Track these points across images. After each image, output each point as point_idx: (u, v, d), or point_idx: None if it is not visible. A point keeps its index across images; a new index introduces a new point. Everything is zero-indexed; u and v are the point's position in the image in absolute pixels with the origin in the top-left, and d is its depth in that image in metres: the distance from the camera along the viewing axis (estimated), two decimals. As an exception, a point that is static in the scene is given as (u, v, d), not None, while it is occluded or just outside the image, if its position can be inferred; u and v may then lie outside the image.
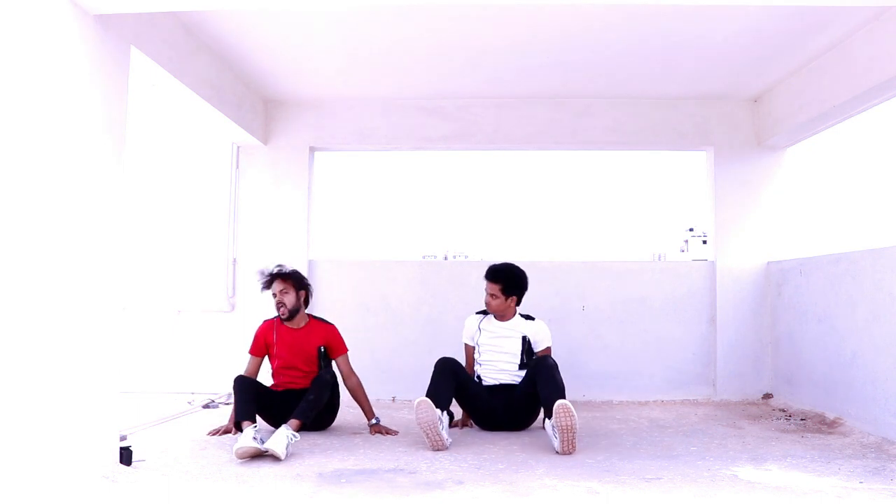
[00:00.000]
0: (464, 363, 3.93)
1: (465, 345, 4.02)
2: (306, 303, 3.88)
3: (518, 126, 5.16)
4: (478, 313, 4.02)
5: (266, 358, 3.87)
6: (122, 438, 3.07)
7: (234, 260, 5.15)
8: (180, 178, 5.44)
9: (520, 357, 3.83)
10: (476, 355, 3.93)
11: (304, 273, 5.05)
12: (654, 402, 4.88)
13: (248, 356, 3.86)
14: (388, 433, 3.69)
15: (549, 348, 3.91)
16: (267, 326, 3.87)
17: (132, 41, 3.12)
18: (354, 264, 5.32)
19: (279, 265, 3.86)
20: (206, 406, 4.55)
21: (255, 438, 3.14)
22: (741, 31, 3.85)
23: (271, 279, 3.78)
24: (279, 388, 3.79)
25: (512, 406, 3.74)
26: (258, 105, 5.03)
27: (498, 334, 3.89)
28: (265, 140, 5.16)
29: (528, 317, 3.96)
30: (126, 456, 2.92)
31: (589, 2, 3.36)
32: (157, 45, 3.40)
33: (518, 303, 3.92)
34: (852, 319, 3.81)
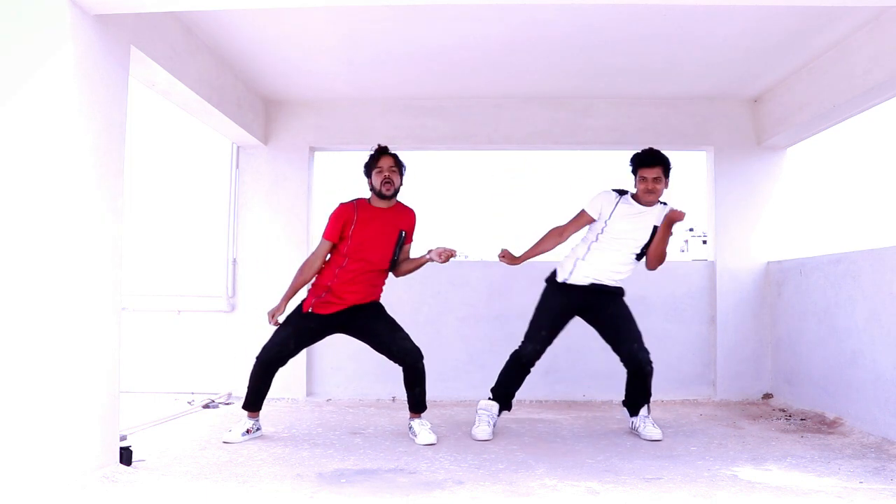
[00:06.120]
0: (555, 237, 3.74)
1: (582, 212, 3.70)
2: None
3: (518, 126, 5.16)
4: (615, 191, 3.71)
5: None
6: (122, 438, 3.07)
7: (234, 260, 5.15)
8: (180, 179, 5.44)
9: (644, 245, 3.65)
10: (597, 231, 3.66)
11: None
12: (654, 402, 4.85)
13: (322, 241, 3.59)
14: (446, 253, 3.56)
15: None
16: (346, 207, 3.59)
17: (132, 41, 3.12)
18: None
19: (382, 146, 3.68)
20: (207, 406, 4.55)
21: (247, 433, 3.54)
22: (741, 31, 3.85)
23: (380, 152, 3.59)
24: (328, 304, 3.54)
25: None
26: (258, 105, 5.03)
27: (636, 222, 3.62)
28: (265, 140, 5.16)
29: (662, 202, 3.68)
30: (126, 456, 2.92)
31: (589, 2, 3.36)
32: (157, 45, 3.40)
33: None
34: (852, 319, 3.81)
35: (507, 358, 3.78)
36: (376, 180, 3.57)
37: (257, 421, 3.63)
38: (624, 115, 5.12)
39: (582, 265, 3.68)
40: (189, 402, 4.63)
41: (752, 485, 2.69)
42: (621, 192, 3.73)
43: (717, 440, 3.56)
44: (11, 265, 2.39)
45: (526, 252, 3.78)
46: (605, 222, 3.67)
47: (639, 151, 3.69)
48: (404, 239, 3.66)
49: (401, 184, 3.63)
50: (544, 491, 2.62)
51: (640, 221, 3.65)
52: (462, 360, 4.99)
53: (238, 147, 5.16)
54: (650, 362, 3.67)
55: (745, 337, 4.97)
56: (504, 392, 3.75)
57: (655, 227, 3.65)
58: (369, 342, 3.66)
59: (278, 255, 5.06)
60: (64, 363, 2.58)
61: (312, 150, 5.25)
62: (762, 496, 2.54)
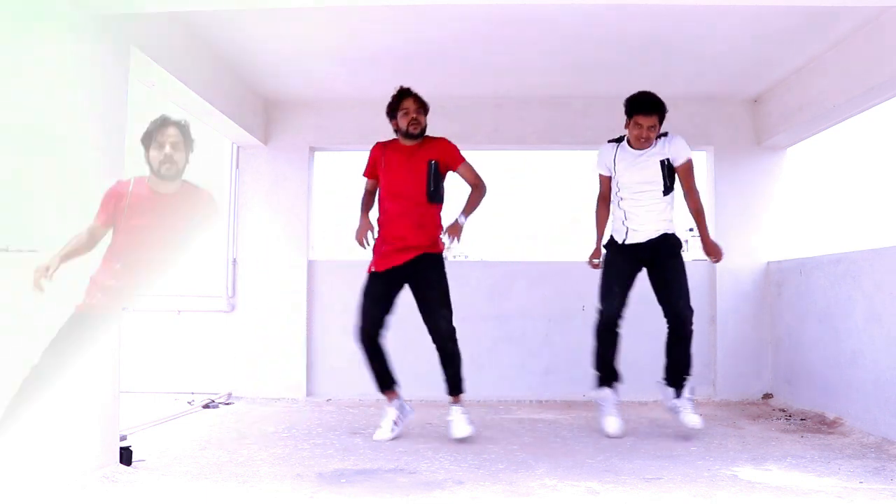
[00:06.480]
0: (603, 204, 3.83)
1: (601, 176, 3.78)
2: None
3: (518, 126, 5.15)
4: (611, 141, 3.74)
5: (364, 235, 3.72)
6: (122, 438, 3.07)
7: (234, 260, 5.15)
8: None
9: (663, 182, 3.61)
10: (615, 190, 3.69)
11: (304, 273, 5.06)
12: (654, 402, 4.86)
13: (364, 180, 3.85)
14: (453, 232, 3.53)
15: (689, 160, 3.67)
16: (378, 147, 3.80)
17: (132, 41, 3.12)
18: (354, 264, 5.28)
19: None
20: (207, 406, 4.55)
21: (394, 425, 3.54)
22: (741, 31, 3.85)
23: (402, 95, 3.66)
24: (385, 257, 3.60)
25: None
26: (258, 105, 5.03)
27: (640, 166, 3.61)
28: (265, 140, 5.15)
29: (661, 134, 3.63)
30: (126, 456, 2.92)
31: (589, 1, 3.36)
32: (157, 45, 3.40)
33: None
34: (852, 319, 3.81)
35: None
36: (402, 122, 3.65)
37: (400, 403, 3.65)
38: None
39: (629, 224, 3.68)
40: (189, 402, 4.63)
41: (752, 485, 2.69)
42: (618, 140, 3.72)
43: (717, 440, 3.56)
44: (12, 265, 2.38)
45: (596, 238, 3.86)
46: (614, 177, 3.68)
47: (636, 95, 3.56)
48: (437, 167, 3.65)
49: (426, 123, 3.68)
50: (544, 491, 2.62)
51: (644, 164, 3.62)
52: (462, 360, 4.98)
53: (238, 147, 5.16)
54: (692, 322, 3.65)
55: (745, 337, 4.96)
56: (605, 368, 3.71)
57: (661, 162, 3.61)
58: (419, 302, 3.65)
59: (278, 255, 5.06)
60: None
61: (312, 150, 5.25)
62: (762, 496, 2.54)
